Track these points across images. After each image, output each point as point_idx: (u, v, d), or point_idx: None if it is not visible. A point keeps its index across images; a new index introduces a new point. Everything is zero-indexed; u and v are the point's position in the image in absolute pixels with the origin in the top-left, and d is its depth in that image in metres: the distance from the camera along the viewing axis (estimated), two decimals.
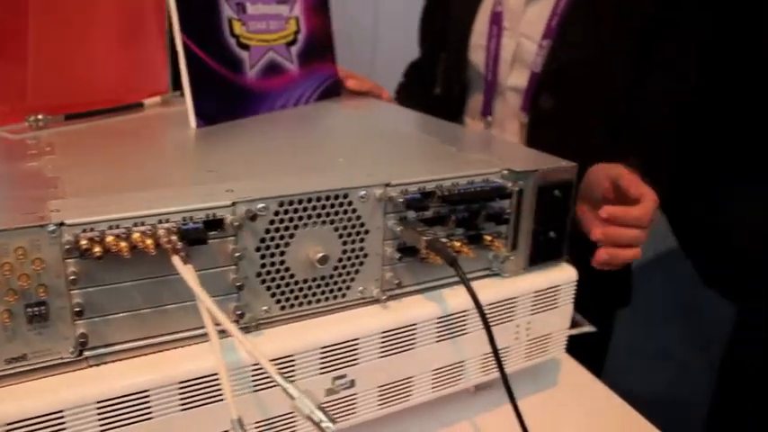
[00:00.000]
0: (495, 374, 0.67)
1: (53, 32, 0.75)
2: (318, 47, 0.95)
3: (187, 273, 0.42)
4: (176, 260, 0.43)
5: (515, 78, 1.06)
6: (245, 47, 0.81)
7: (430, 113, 0.95)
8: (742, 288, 0.83)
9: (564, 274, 0.69)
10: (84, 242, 0.44)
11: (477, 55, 1.12)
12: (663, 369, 2.48)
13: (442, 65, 1.28)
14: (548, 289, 0.67)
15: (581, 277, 0.71)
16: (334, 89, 0.99)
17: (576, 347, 0.86)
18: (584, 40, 0.99)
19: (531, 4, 1.04)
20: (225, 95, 0.78)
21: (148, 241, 0.45)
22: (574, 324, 0.88)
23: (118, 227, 0.46)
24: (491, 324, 0.63)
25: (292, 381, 0.52)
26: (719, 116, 0.83)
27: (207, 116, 0.75)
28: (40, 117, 0.72)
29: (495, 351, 0.54)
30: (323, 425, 0.37)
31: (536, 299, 0.66)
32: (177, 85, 0.94)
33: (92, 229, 0.45)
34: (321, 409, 0.38)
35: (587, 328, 0.87)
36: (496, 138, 1.05)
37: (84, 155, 0.64)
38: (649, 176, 0.79)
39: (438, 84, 1.31)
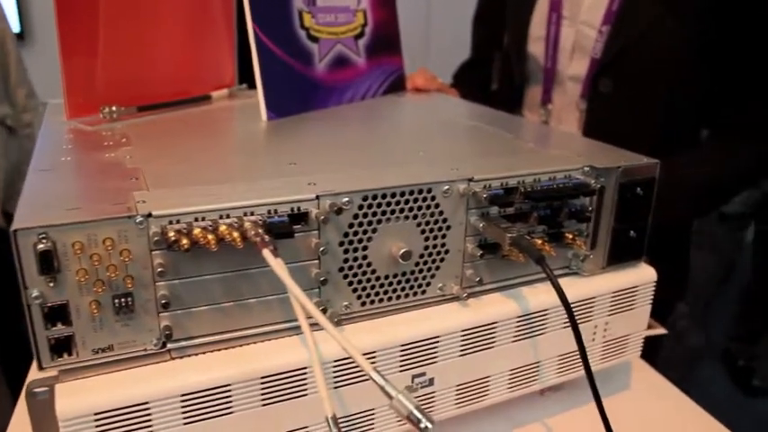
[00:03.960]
0: (570, 376, 0.65)
1: (123, 24, 0.75)
2: (385, 40, 0.93)
3: (278, 266, 0.42)
4: (267, 254, 0.42)
5: (575, 67, 1.05)
6: (315, 39, 0.80)
7: None
8: None
9: (643, 275, 0.66)
10: (171, 234, 0.43)
11: (536, 46, 1.10)
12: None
13: (498, 62, 1.26)
14: (626, 289, 0.65)
15: None
16: (399, 83, 0.98)
17: None
18: (646, 21, 0.96)
19: None
20: (296, 88, 0.78)
21: (235, 234, 0.44)
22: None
23: (204, 219, 0.45)
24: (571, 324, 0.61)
25: None
26: None
27: (278, 108, 0.75)
28: (113, 108, 0.73)
29: (582, 349, 0.52)
30: (422, 425, 0.36)
31: (614, 299, 0.64)
32: (242, 78, 0.95)
33: (178, 221, 0.44)
34: (419, 408, 0.37)
35: (659, 330, 0.84)
36: (569, 133, 1.02)
37: (160, 146, 0.63)
38: None
39: (494, 80, 1.30)
